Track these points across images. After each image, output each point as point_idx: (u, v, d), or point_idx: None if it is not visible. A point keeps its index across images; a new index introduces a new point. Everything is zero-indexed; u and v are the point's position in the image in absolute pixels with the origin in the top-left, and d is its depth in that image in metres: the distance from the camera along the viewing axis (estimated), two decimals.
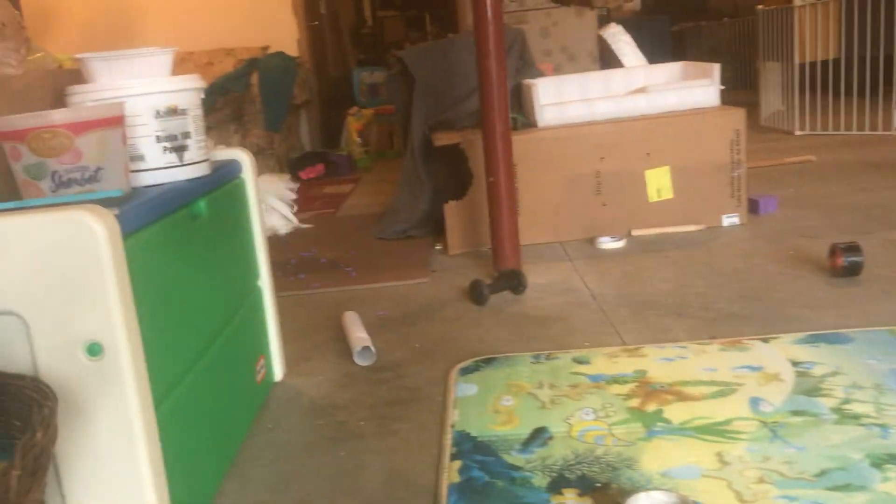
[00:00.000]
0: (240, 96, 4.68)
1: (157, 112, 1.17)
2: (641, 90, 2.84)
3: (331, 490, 1.22)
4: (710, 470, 1.16)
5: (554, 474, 1.18)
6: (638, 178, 2.63)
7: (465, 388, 1.51)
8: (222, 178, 1.37)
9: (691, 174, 2.62)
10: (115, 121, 1.02)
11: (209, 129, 4.68)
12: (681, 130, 2.61)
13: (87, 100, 1.15)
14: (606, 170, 2.61)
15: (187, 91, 1.21)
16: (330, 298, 2.25)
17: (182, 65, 5.19)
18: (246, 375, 1.45)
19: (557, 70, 3.26)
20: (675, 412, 1.35)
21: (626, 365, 1.55)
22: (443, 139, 2.68)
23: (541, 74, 3.03)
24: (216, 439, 1.25)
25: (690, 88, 2.74)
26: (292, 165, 4.85)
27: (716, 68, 2.73)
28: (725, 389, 1.41)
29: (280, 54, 5.02)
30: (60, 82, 1.20)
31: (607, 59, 3.29)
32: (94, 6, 5.36)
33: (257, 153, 4.76)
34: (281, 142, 4.88)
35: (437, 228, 2.87)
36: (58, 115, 0.96)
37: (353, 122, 5.30)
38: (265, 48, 5.21)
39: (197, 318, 1.19)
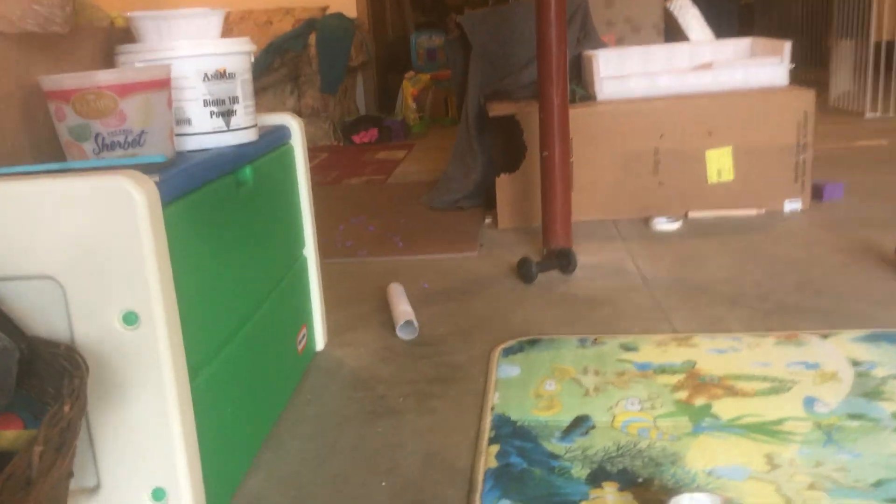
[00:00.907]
0: (297, 57, 4.67)
1: (206, 75, 1.15)
2: (707, 66, 2.73)
3: (366, 468, 1.21)
4: (759, 472, 1.11)
5: (594, 466, 1.15)
6: (698, 158, 2.54)
7: (507, 370, 1.48)
8: (270, 145, 1.35)
9: (754, 156, 2.52)
10: (161, 83, 1.00)
11: (265, 90, 4.69)
12: (746, 110, 2.51)
13: (135, 60, 1.13)
14: (665, 148, 2.53)
15: (237, 54, 1.18)
16: (376, 268, 2.23)
17: (241, 24, 5.19)
18: (287, 345, 1.44)
19: (620, 41, 3.16)
20: (725, 408, 1.29)
21: (675, 354, 1.50)
22: (498, 109, 2.62)
23: (603, 45, 2.94)
24: (254, 409, 1.24)
25: (758, 66, 2.63)
26: (346, 129, 4.84)
27: (786, 46, 2.61)
28: (779, 386, 1.36)
29: (339, 15, 4.98)
30: (111, 40, 1.19)
31: (672, 32, 3.18)
32: None
33: (312, 115, 4.75)
34: (336, 105, 4.86)
35: (488, 201, 2.83)
36: (103, 76, 0.94)
37: (409, 87, 5.25)
38: (324, 9, 5.18)
39: (238, 287, 1.17)
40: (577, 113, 2.49)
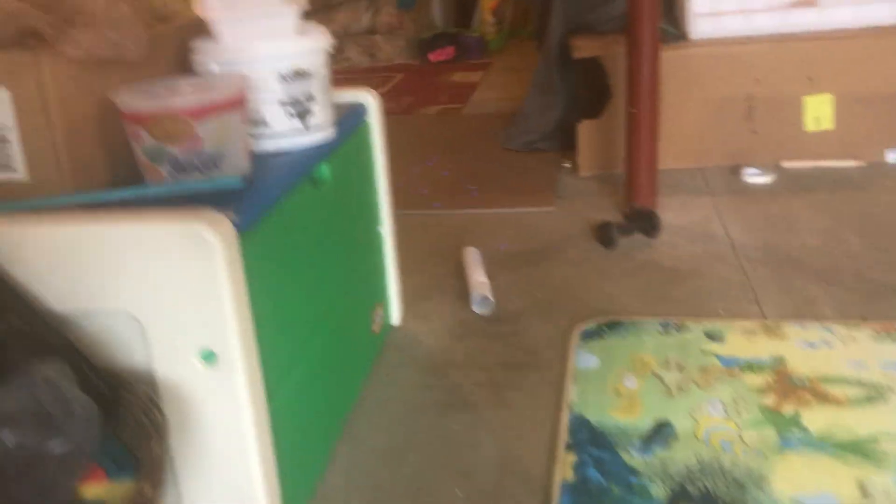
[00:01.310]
0: None
1: (282, 76, 1.10)
2: (810, 2, 2.53)
3: (441, 468, 1.21)
4: (849, 502, 1.07)
5: (675, 486, 1.12)
6: (795, 105, 2.39)
7: (585, 359, 1.45)
8: (347, 133, 1.30)
9: (856, 103, 2.35)
10: (237, 102, 0.96)
11: (340, 5, 4.58)
12: (851, 54, 2.33)
13: (211, 61, 1.09)
14: (760, 94, 2.38)
15: (314, 52, 1.13)
16: (452, 222, 2.19)
17: None
18: (362, 328, 1.43)
19: None
20: (815, 418, 1.24)
21: (763, 347, 1.44)
22: (582, 48, 2.49)
23: None
24: (330, 407, 1.24)
25: (868, 3, 2.42)
26: (422, 46, 4.71)
27: None
28: (874, 394, 1.29)
29: None
30: (188, 36, 1.15)
31: None
32: None
33: (387, 32, 4.64)
34: (411, 20, 4.73)
35: (567, 142, 2.73)
36: (179, 102, 0.91)
37: (488, 0, 5.06)
38: None
39: (315, 292, 1.16)
40: (666, 56, 2.33)
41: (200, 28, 1.13)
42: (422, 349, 1.54)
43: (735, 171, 2.39)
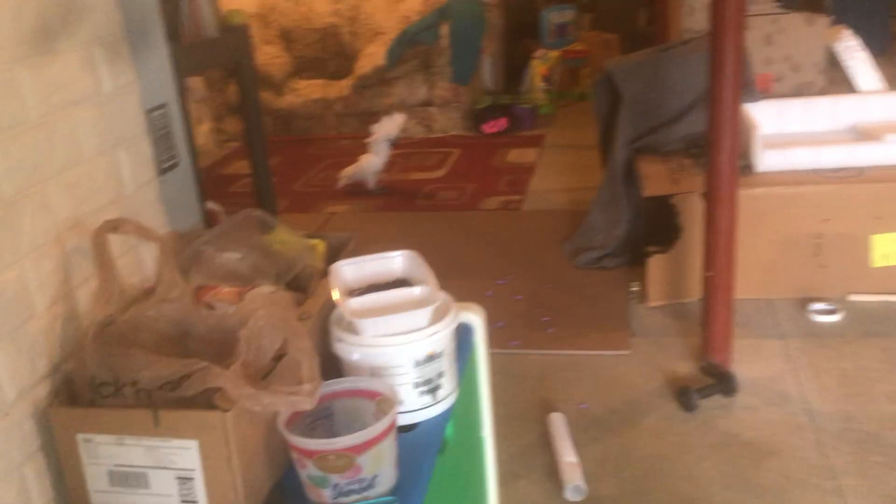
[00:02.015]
0: (428, 48, 4.62)
1: (417, 361, 1.20)
2: (875, 135, 2.57)
3: None
4: None
5: None
6: (862, 241, 2.44)
7: None
8: (461, 373, 1.39)
9: None
10: (391, 429, 1.05)
11: (398, 79, 4.68)
12: None
13: (353, 350, 1.19)
14: (829, 231, 2.44)
15: (445, 333, 1.22)
16: (530, 366, 2.28)
17: (371, 0, 5.14)
18: None
19: (779, 80, 3.00)
20: None
21: None
22: (653, 186, 2.56)
23: (758, 96, 2.80)
24: None
25: None
26: (476, 118, 4.81)
27: None
28: None
29: None
30: (327, 313, 1.24)
31: (836, 71, 3.00)
32: None
33: (443, 105, 4.74)
34: (465, 93, 4.82)
35: (633, 259, 2.80)
36: (344, 442, 1.00)
37: (539, 66, 5.15)
38: None
39: None
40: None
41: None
42: None
43: (803, 304, 2.45)
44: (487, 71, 5.45)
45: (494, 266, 2.95)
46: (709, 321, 2.12)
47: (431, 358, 1.22)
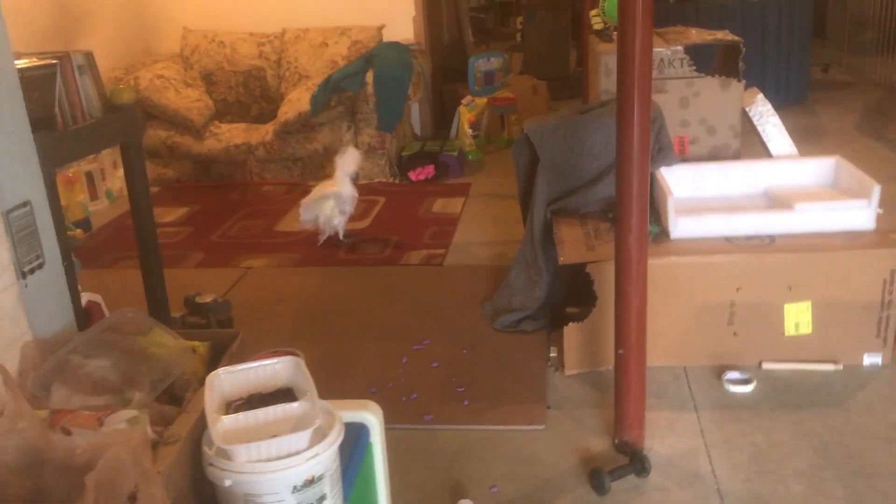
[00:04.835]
0: (354, 95, 4.57)
1: (295, 487, 1.12)
2: (786, 201, 2.60)
3: None
4: None
5: None
6: (775, 311, 2.45)
7: None
8: (351, 482, 1.32)
9: (834, 310, 2.42)
10: None
11: (322, 125, 4.61)
12: (828, 266, 2.39)
13: (225, 477, 1.11)
14: (742, 301, 2.44)
15: (327, 454, 1.15)
16: (444, 441, 2.21)
17: (297, 43, 5.09)
18: None
19: (695, 143, 3.03)
20: None
21: None
22: (569, 250, 2.54)
23: (675, 160, 2.82)
24: None
25: (843, 210, 2.50)
26: (402, 165, 4.76)
27: (874, 190, 2.46)
28: None
29: (396, 46, 4.85)
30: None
31: (751, 134, 3.04)
32: None
33: (368, 151, 4.68)
34: (392, 140, 4.78)
35: (551, 321, 2.77)
36: None
37: (466, 113, 5.14)
38: (380, 28, 5.04)
39: None
40: (651, 264, 2.39)
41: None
42: None
43: (718, 372, 2.45)
44: (415, 117, 5.43)
45: (412, 328, 2.88)
46: (621, 398, 2.08)
47: (311, 483, 1.15)
